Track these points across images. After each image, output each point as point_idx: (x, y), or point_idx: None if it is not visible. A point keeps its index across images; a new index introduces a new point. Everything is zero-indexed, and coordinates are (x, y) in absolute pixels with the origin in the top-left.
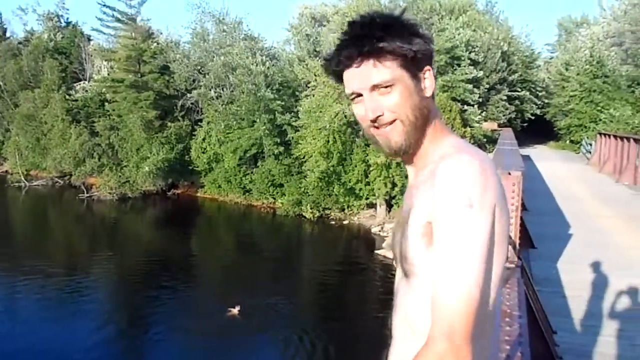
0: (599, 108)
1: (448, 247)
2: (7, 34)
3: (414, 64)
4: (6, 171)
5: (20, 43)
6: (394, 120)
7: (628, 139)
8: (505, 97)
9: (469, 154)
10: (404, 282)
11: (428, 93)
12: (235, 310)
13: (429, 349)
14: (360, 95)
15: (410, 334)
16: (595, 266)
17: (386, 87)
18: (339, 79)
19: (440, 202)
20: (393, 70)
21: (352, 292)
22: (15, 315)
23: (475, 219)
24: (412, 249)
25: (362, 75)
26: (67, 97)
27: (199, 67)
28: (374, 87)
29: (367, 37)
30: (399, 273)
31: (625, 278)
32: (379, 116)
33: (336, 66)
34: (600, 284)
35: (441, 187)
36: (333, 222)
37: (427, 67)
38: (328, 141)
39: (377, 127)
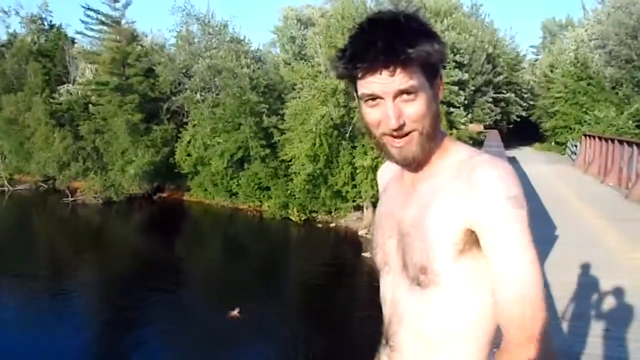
0: (583, 109)
1: (514, 252)
2: None
3: (434, 71)
4: None
5: (3, 46)
6: (413, 131)
7: (613, 140)
8: (490, 99)
9: (495, 158)
10: (414, 293)
11: (440, 96)
12: (236, 312)
13: (513, 354)
14: (377, 98)
15: (428, 349)
16: (582, 267)
17: (410, 93)
18: (351, 77)
19: (492, 206)
20: (419, 77)
21: (339, 294)
22: None
23: (526, 219)
24: (438, 259)
25: (387, 79)
26: (51, 100)
27: (184, 70)
28: (400, 93)
29: (397, 41)
30: (399, 282)
31: (611, 279)
32: (402, 125)
33: (357, 67)
34: (586, 285)
35: (487, 191)
36: (320, 225)
37: (440, 73)
38: (314, 144)
39: (395, 136)
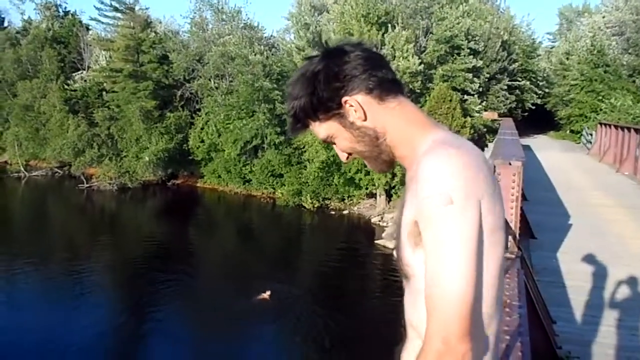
0: (599, 97)
1: (434, 246)
2: (5, 24)
3: (329, 111)
4: (5, 162)
5: (18, 32)
6: (359, 157)
7: (629, 129)
8: (505, 87)
9: (448, 147)
10: (406, 284)
11: (359, 120)
12: (266, 295)
13: (426, 352)
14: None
15: (416, 336)
16: (595, 256)
17: (330, 139)
18: None
19: (422, 201)
20: (323, 126)
21: (352, 281)
22: (15, 305)
23: (458, 215)
24: (405, 250)
25: (315, 134)
26: (66, 87)
27: (197, 57)
28: (325, 141)
29: (293, 120)
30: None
31: (625, 268)
32: (348, 155)
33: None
34: (599, 274)
35: (422, 186)
36: (333, 212)
37: (345, 99)
38: None
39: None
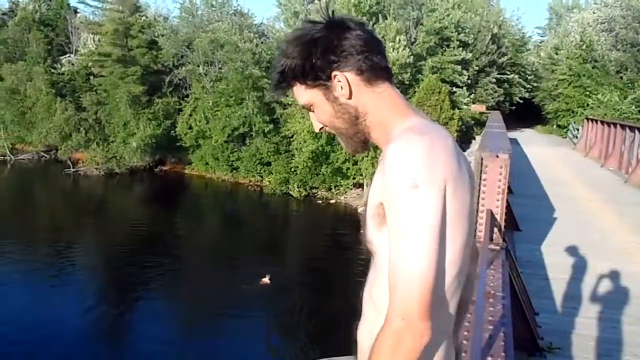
0: (587, 93)
1: (397, 228)
2: None
3: (318, 80)
4: None
5: (4, 14)
6: (334, 132)
7: (615, 124)
8: (494, 80)
9: (415, 132)
10: (371, 261)
11: (343, 97)
12: (267, 279)
13: (386, 329)
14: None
15: (376, 312)
16: (578, 249)
17: (309, 106)
18: None
19: (387, 183)
20: (307, 93)
21: (337, 270)
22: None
23: (421, 198)
24: (369, 228)
25: (295, 96)
26: (53, 70)
27: (187, 43)
28: (304, 107)
29: (279, 78)
30: None
31: (607, 261)
32: (321, 128)
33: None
34: (582, 267)
35: (387, 169)
36: (320, 201)
37: (335, 73)
38: None
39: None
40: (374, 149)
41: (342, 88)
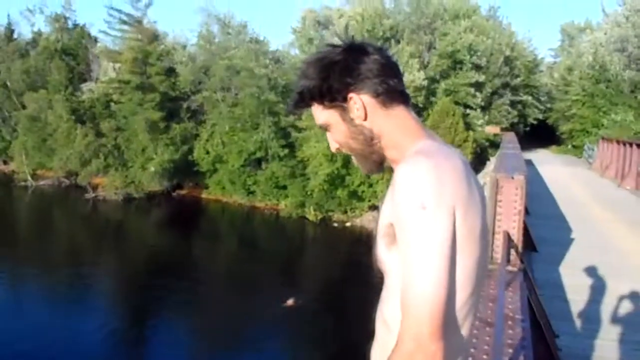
0: (601, 113)
1: (407, 250)
2: (15, 35)
3: (334, 101)
4: (13, 170)
5: (27, 44)
6: (349, 153)
7: (630, 144)
8: (508, 102)
9: (425, 155)
10: (384, 279)
11: (359, 119)
12: (291, 302)
13: (398, 351)
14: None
15: (387, 331)
16: (597, 270)
17: (326, 126)
18: None
19: (397, 205)
20: (324, 113)
21: (354, 293)
22: (21, 314)
23: (430, 220)
24: (380, 248)
25: (314, 116)
26: (74, 97)
27: (204, 70)
28: (321, 127)
29: (298, 98)
30: None
31: (627, 282)
32: (337, 148)
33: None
34: (602, 288)
35: (397, 191)
36: (336, 225)
37: (351, 95)
38: None
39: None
40: (389, 171)
41: (357, 110)
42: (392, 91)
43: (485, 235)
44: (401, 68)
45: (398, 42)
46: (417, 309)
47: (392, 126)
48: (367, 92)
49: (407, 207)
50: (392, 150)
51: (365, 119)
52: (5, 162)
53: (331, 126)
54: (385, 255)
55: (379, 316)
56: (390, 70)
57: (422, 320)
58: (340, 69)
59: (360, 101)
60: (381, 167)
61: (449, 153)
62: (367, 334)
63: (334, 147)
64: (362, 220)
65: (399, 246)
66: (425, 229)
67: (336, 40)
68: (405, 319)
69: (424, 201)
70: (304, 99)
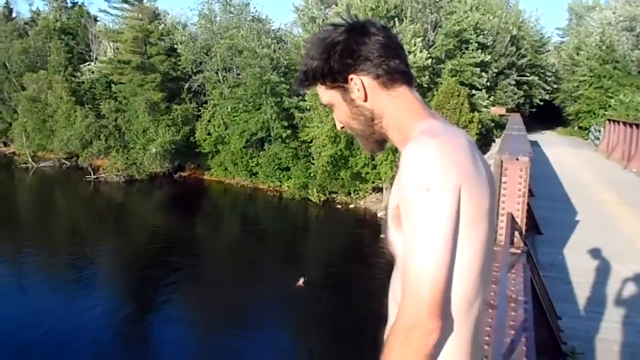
0: (608, 94)
1: (409, 231)
2: (13, 14)
3: (336, 82)
4: (13, 152)
5: (26, 23)
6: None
7: (637, 125)
8: (513, 82)
9: (430, 135)
10: (395, 261)
11: (359, 100)
12: (301, 282)
13: (396, 326)
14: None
15: (396, 306)
16: (601, 253)
17: (330, 105)
18: None
19: (402, 186)
20: (327, 93)
21: (357, 275)
22: (22, 296)
23: (433, 202)
24: (390, 230)
25: (319, 94)
26: (73, 78)
27: (205, 50)
28: (326, 106)
29: (303, 77)
30: None
31: (631, 265)
32: (342, 126)
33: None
34: (605, 270)
35: (401, 172)
36: (339, 206)
37: (351, 76)
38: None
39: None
40: (392, 152)
41: (358, 90)
42: (394, 72)
43: (493, 215)
44: (405, 47)
45: (402, 21)
46: (416, 288)
47: (393, 107)
48: (367, 74)
49: (411, 189)
50: (395, 132)
51: (366, 100)
52: (5, 144)
53: (334, 105)
54: (395, 238)
55: (391, 297)
56: (392, 51)
57: (420, 299)
58: (341, 50)
59: (361, 82)
60: (383, 146)
61: (454, 132)
62: (370, 314)
63: (339, 125)
64: (366, 202)
65: (403, 227)
66: (429, 211)
67: (340, 20)
68: (404, 297)
69: (428, 182)
70: (308, 79)
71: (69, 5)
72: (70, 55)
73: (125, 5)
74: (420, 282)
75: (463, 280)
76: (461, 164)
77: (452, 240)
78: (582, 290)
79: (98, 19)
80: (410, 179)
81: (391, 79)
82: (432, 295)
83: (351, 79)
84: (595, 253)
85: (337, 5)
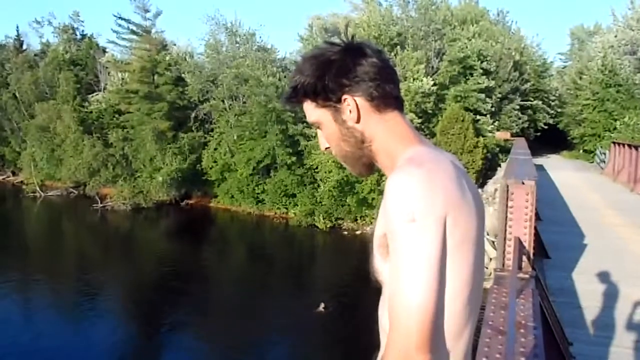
0: (612, 117)
1: (396, 262)
2: (24, 46)
3: (328, 101)
4: (22, 181)
5: (36, 55)
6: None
7: None
8: (517, 107)
9: (415, 164)
10: (382, 289)
11: (351, 121)
12: (321, 308)
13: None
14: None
15: (385, 336)
16: (611, 276)
17: (317, 124)
18: None
19: (388, 217)
20: (316, 112)
21: (365, 302)
22: (30, 325)
23: (419, 232)
24: (376, 259)
25: (305, 113)
26: (82, 108)
27: (211, 79)
28: (312, 125)
29: (291, 92)
30: None
31: None
32: (327, 147)
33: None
34: (615, 294)
35: (387, 202)
36: (346, 232)
37: (345, 97)
38: None
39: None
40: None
41: (350, 112)
42: (388, 96)
43: (481, 241)
44: (408, 75)
45: (404, 48)
46: (405, 321)
47: (384, 131)
48: (361, 95)
49: (397, 219)
50: (383, 156)
51: (358, 121)
52: (14, 173)
53: (322, 125)
54: (381, 266)
55: (380, 326)
56: (387, 75)
57: (409, 333)
58: (337, 69)
59: (354, 103)
60: (371, 170)
61: (440, 159)
62: (376, 341)
63: (323, 146)
64: (373, 228)
65: (390, 257)
66: (414, 242)
67: (335, 39)
68: (392, 330)
69: (413, 213)
70: (297, 95)
71: (79, 37)
72: (79, 86)
73: (134, 36)
74: (409, 314)
75: (451, 308)
76: (447, 192)
77: (439, 271)
78: (592, 315)
79: (106, 49)
80: (396, 209)
81: (385, 102)
82: (421, 328)
83: (345, 100)
84: (605, 276)
85: (340, 34)
